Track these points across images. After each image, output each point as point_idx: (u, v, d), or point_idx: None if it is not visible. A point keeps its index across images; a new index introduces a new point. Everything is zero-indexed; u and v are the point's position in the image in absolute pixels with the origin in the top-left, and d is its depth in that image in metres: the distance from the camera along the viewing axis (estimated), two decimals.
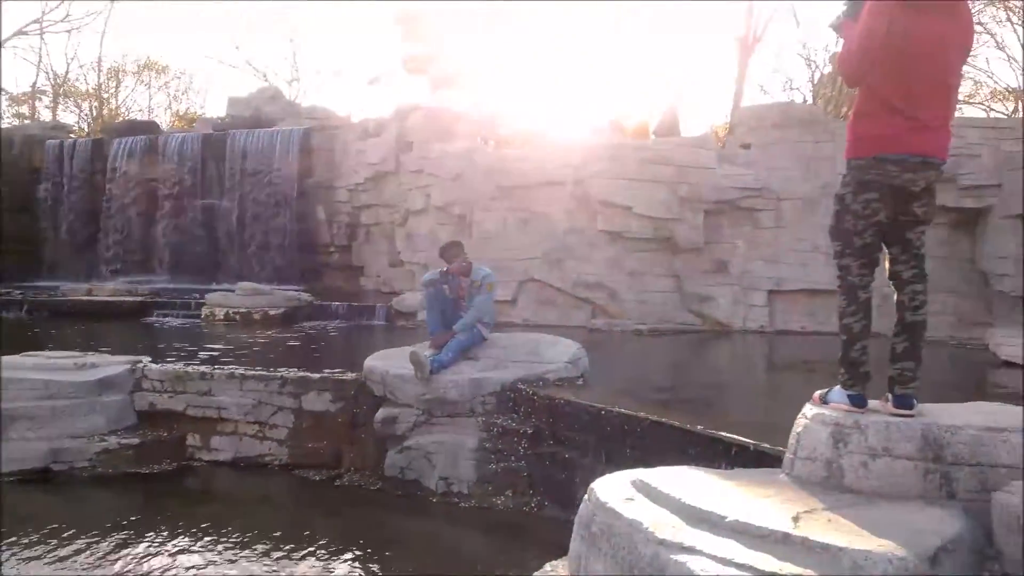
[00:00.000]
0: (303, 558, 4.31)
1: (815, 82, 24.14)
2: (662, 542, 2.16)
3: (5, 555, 4.14)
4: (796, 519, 2.23)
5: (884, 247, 2.93)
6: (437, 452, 5.25)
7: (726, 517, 2.24)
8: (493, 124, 15.99)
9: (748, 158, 12.40)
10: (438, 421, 5.43)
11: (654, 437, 4.28)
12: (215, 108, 34.73)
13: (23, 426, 5.67)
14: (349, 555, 4.39)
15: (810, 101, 23.03)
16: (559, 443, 4.98)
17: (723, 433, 3.85)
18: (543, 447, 5.05)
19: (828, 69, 22.08)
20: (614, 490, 2.57)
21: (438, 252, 6.20)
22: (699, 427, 4.10)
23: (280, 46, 40.30)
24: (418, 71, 24.31)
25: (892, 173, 2.77)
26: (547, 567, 2.79)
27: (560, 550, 2.98)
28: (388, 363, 5.85)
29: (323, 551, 4.41)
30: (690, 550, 2.09)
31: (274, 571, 4.13)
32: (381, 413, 5.57)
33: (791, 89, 25.58)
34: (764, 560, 1.99)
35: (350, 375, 6.11)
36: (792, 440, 2.82)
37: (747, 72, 22.74)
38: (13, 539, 4.34)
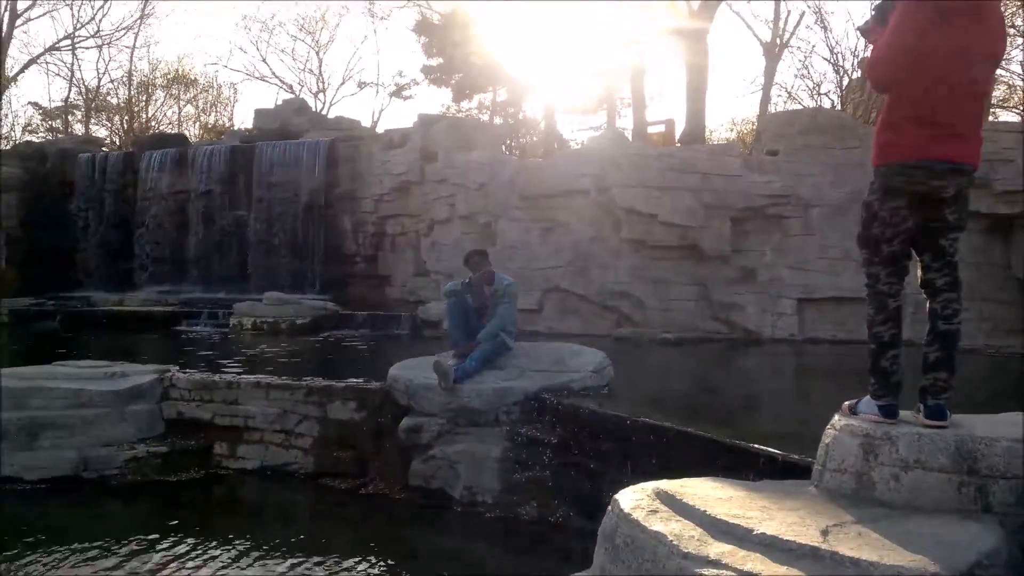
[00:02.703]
0: (327, 567, 4.32)
1: (844, 87, 23.92)
2: (686, 555, 2.12)
3: (35, 565, 4.19)
4: (825, 533, 2.18)
5: (915, 255, 2.87)
6: (461, 461, 5.23)
7: (753, 530, 2.19)
8: (516, 133, 16.04)
9: (776, 165, 12.28)
10: (462, 430, 5.42)
11: (680, 447, 4.23)
12: (243, 120, 35.25)
13: (54, 434, 5.75)
14: (373, 564, 4.38)
15: (839, 107, 22.82)
16: (584, 453, 4.93)
17: (750, 444, 3.79)
18: (568, 457, 5.01)
19: (857, 74, 21.87)
20: (638, 501, 2.53)
21: (463, 260, 6.20)
22: (726, 438, 4.04)
23: (306, 58, 40.80)
24: (440, 82, 24.54)
25: (919, 180, 2.72)
26: None
27: (585, 561, 2.94)
28: (412, 372, 5.85)
29: (347, 560, 4.41)
30: (715, 564, 2.05)
31: None
32: (406, 422, 5.57)
33: (819, 95, 25.38)
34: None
35: (375, 384, 6.12)
36: (821, 451, 2.77)
37: (774, 77, 22.58)
38: (42, 549, 4.39)
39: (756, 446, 3.73)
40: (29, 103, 34.32)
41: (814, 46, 27.83)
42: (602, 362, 5.80)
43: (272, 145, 16.76)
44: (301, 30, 32.75)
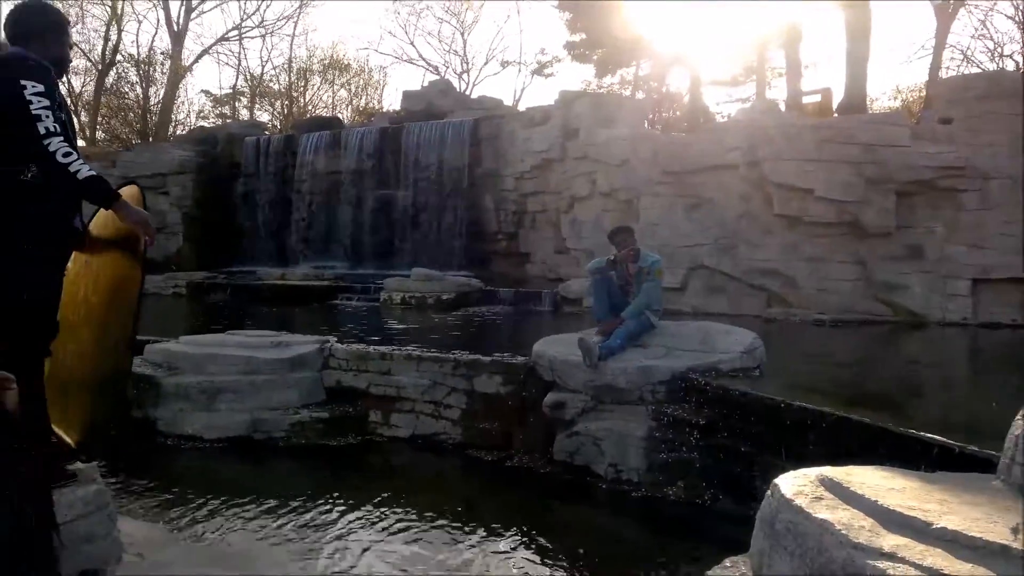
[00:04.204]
0: (471, 535, 4.45)
1: None
2: (857, 546, 1.99)
3: (220, 519, 4.59)
4: (1016, 531, 1.98)
5: None
6: (606, 439, 5.22)
7: (932, 524, 2.03)
8: (659, 107, 15.65)
9: (949, 134, 11.27)
10: (607, 408, 5.40)
11: (840, 434, 4.01)
12: (391, 102, 36.60)
13: (229, 398, 6.26)
14: (515, 535, 4.47)
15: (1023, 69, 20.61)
16: (734, 436, 4.79)
17: (924, 433, 3.52)
18: (717, 439, 4.88)
19: None
20: (800, 488, 2.41)
21: (607, 237, 6.14)
22: (891, 425, 3.78)
23: (451, 40, 41.75)
24: (582, 58, 24.34)
25: None
26: (726, 562, 2.69)
27: (734, 545, 2.86)
28: (556, 348, 5.88)
29: (490, 530, 4.52)
30: (891, 556, 1.92)
31: (445, 545, 4.29)
32: (550, 398, 5.62)
33: (1000, 56, 23.03)
34: (980, 574, 1.78)
35: (520, 359, 6.21)
36: (1009, 443, 2.52)
37: (946, 39, 20.66)
38: (223, 498, 4.81)
39: (930, 436, 3.46)
40: (201, 91, 37.27)
41: (995, 3, 25.22)
42: (753, 342, 5.58)
43: (419, 125, 17.29)
44: (447, 12, 33.46)
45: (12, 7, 2.79)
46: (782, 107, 16.34)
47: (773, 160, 11.41)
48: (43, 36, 2.63)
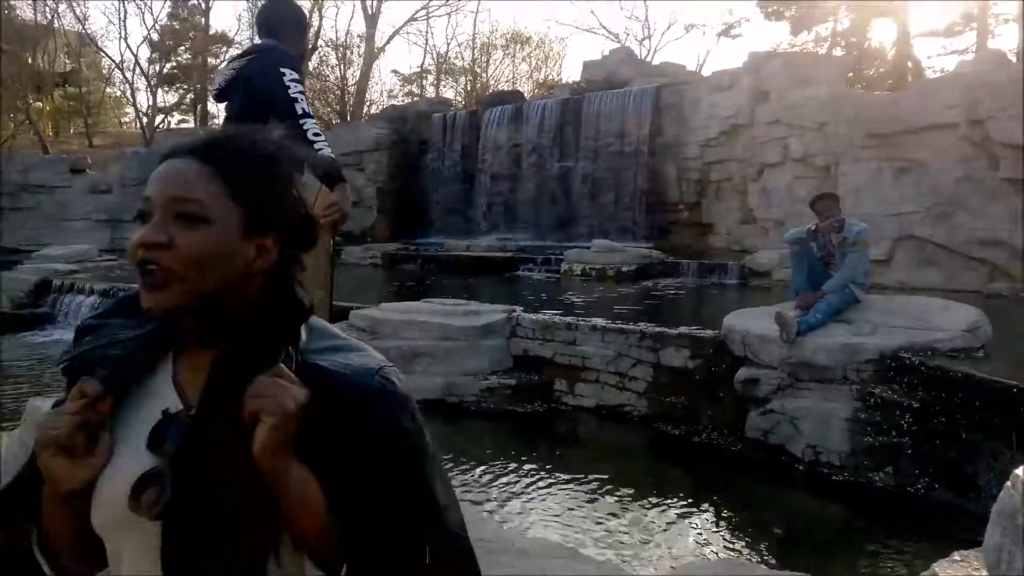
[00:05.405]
0: (658, 507, 4.41)
1: None
2: None
3: None
4: None
5: None
6: (804, 418, 4.95)
7: None
8: (860, 65, 14.43)
9: None
10: (805, 386, 5.12)
11: None
12: (571, 74, 36.63)
13: (425, 362, 6.61)
14: (705, 512, 4.38)
15: None
16: (953, 421, 4.37)
17: None
18: (932, 424, 4.48)
19: None
20: None
21: (808, 205, 5.77)
22: None
23: (632, 6, 40.93)
24: (776, 16, 22.93)
25: None
26: (955, 555, 2.46)
27: (951, 539, 2.62)
28: (748, 322, 5.66)
29: (678, 504, 4.47)
30: None
31: (630, 514, 4.29)
32: (742, 373, 5.42)
33: None
34: None
35: (708, 333, 6.04)
36: None
37: None
38: None
39: None
40: (392, 71, 39.18)
41: None
42: (977, 320, 5.05)
43: (599, 96, 17.13)
44: None
45: (263, 3, 3.17)
46: (1012, 59, 14.48)
47: (1001, 118, 10.15)
48: (290, 31, 2.94)
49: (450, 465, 5.02)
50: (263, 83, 2.73)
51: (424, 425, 0.91)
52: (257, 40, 3.04)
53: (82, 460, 0.84)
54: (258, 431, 0.79)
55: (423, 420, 0.92)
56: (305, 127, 2.67)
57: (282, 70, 2.70)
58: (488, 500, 4.53)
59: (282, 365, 0.84)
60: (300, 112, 2.69)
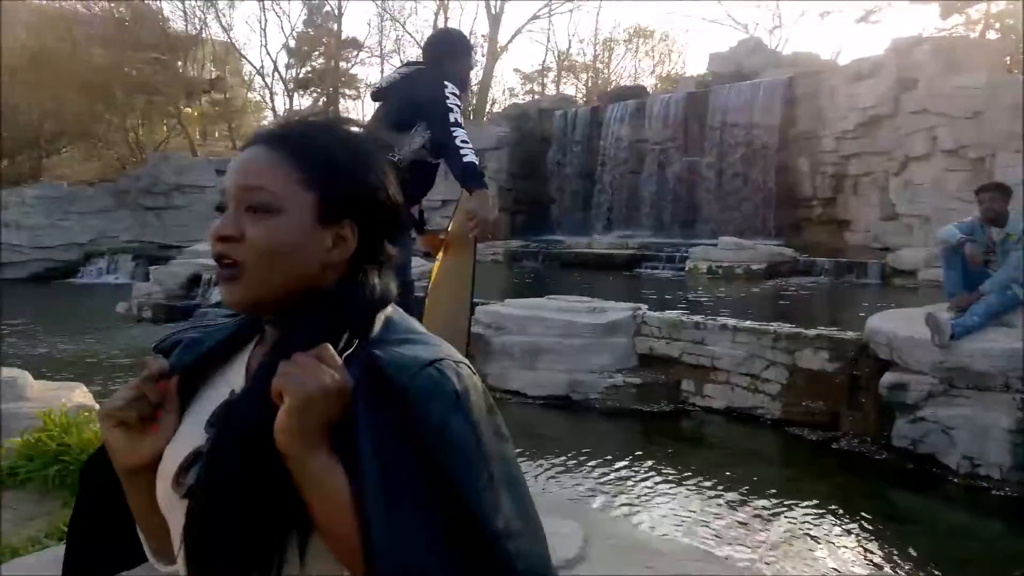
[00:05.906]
0: (791, 515, 4.22)
1: None
2: None
3: (538, 468, 4.91)
4: None
5: None
6: (959, 428, 4.60)
7: None
8: (1020, 50, 13.29)
9: None
10: (960, 393, 4.75)
11: None
12: (696, 66, 35.76)
13: (549, 359, 6.62)
14: (846, 522, 4.15)
15: None
16: None
17: None
18: None
19: None
20: None
21: (974, 192, 5.34)
22: None
23: None
24: None
25: None
26: None
27: None
28: (895, 324, 5.31)
29: (814, 511, 4.26)
30: None
31: (758, 520, 4.12)
32: (888, 378, 5.09)
33: None
34: None
35: (849, 334, 5.72)
36: None
37: None
38: (547, 454, 5.12)
39: None
40: (513, 69, 39.58)
41: None
42: None
43: (727, 88, 16.59)
44: None
45: (431, 33, 3.59)
46: None
47: None
48: (454, 55, 3.19)
49: (573, 463, 5.01)
50: (427, 90, 2.95)
51: (486, 427, 0.76)
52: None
53: (140, 435, 0.84)
54: (280, 411, 0.73)
55: (496, 424, 0.78)
56: (454, 134, 2.85)
57: (446, 83, 2.94)
58: (615, 499, 4.48)
59: (328, 346, 0.76)
60: (452, 121, 2.88)
